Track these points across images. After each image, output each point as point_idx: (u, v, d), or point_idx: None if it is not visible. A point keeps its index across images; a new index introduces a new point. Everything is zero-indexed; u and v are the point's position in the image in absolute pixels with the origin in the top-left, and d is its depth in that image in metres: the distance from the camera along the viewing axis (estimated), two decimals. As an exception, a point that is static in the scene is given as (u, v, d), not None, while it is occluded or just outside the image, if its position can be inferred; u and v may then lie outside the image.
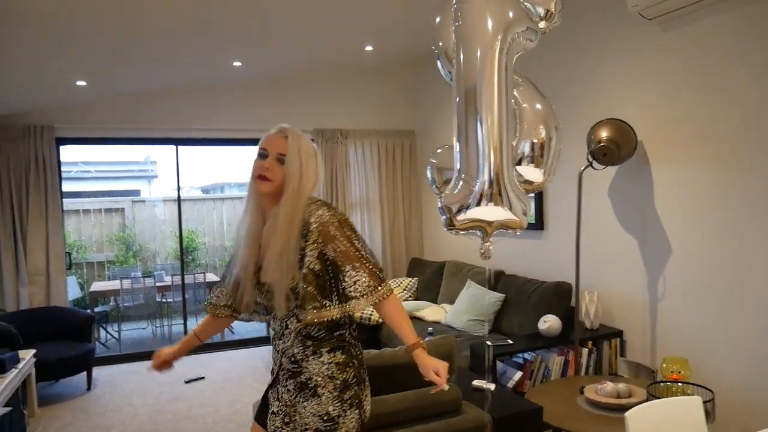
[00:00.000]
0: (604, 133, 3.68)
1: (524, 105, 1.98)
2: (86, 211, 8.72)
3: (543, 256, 4.77)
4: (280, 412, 1.80)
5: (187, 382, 5.07)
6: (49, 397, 4.76)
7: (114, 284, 7.21)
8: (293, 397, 1.79)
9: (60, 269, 5.43)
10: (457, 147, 1.94)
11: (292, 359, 1.79)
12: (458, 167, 1.94)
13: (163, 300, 7.53)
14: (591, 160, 3.71)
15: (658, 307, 3.77)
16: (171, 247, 9.03)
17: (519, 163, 2.01)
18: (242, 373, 5.31)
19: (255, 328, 7.03)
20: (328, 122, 6.24)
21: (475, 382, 3.04)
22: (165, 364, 2.01)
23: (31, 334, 4.73)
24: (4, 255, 5.18)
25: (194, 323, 1.83)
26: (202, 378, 5.15)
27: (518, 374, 3.63)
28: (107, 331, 7.23)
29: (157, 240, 9.02)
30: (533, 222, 4.84)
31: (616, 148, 3.63)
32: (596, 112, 4.02)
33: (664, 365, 3.27)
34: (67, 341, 4.91)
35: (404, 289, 5.71)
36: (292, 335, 1.79)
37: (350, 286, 1.74)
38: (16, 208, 5.21)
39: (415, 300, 5.59)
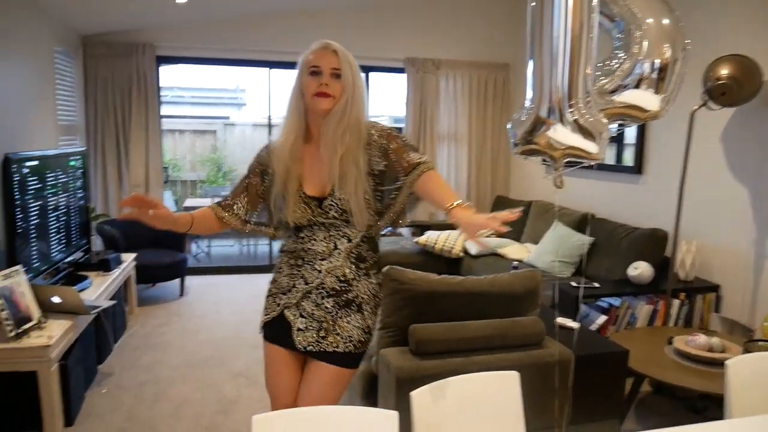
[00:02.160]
0: (724, 70, 3.36)
1: (648, 20, 1.77)
2: (181, 132, 9.10)
3: (638, 202, 4.52)
4: (312, 327, 1.82)
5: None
6: (147, 299, 5.13)
7: (205, 202, 7.54)
8: (332, 313, 1.82)
9: (158, 182, 5.73)
10: (530, 67, 1.72)
11: (342, 278, 1.82)
12: (529, 88, 1.74)
13: (250, 220, 7.81)
14: (706, 99, 3.42)
15: (764, 265, 3.51)
16: (259, 171, 9.30)
17: (637, 85, 1.83)
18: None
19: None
20: (420, 51, 6.07)
21: (558, 320, 2.97)
22: (144, 206, 1.67)
23: (131, 240, 5.05)
24: (108, 165, 5.51)
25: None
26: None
27: (602, 318, 3.52)
28: (198, 246, 7.64)
29: (246, 162, 9.31)
30: (630, 165, 4.58)
31: (737, 87, 3.31)
32: (717, 46, 3.65)
33: (766, 324, 3.08)
34: (163, 249, 5.23)
35: (487, 226, 5.62)
36: (342, 255, 1.81)
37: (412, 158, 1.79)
38: (120, 121, 5.49)
39: (497, 237, 5.49)
